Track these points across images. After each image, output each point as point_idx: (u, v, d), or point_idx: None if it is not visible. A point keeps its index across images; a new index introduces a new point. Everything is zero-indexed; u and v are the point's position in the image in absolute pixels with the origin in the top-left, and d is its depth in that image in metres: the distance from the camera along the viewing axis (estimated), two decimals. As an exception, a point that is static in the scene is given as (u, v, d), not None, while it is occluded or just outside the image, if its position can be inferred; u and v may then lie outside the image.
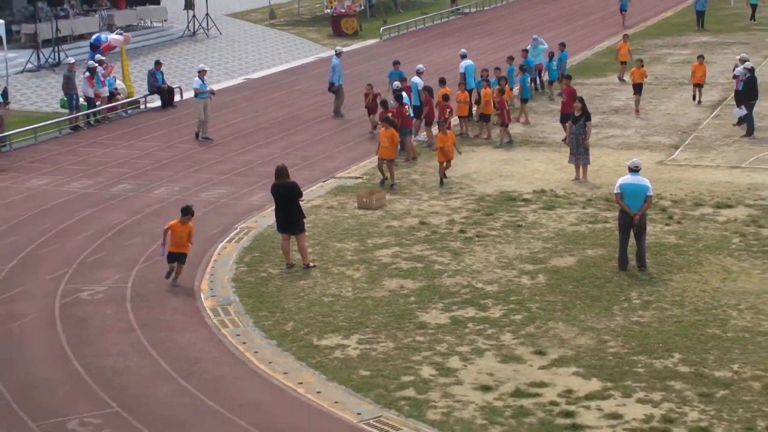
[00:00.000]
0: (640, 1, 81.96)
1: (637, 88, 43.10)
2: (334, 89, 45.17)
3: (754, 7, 69.43)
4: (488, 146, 38.42)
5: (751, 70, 40.15)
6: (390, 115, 35.65)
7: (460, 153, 34.35)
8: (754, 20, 68.79)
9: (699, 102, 44.72)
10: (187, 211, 25.65)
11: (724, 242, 27.92)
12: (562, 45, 48.80)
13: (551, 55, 47.38)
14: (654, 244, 27.37)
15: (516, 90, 43.44)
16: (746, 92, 39.55)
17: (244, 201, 32.86)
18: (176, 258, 25.56)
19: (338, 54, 46.40)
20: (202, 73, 41.33)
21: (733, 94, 42.17)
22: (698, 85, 45.07)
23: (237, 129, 42.92)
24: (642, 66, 43.40)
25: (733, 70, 42.35)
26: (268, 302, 24.87)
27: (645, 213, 26.16)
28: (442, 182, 33.69)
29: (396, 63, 43.40)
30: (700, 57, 46.01)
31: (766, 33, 63.97)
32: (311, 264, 26.91)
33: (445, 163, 33.94)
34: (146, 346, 22.71)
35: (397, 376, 20.84)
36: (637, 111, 43.13)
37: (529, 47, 47.87)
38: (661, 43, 62.41)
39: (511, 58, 44.67)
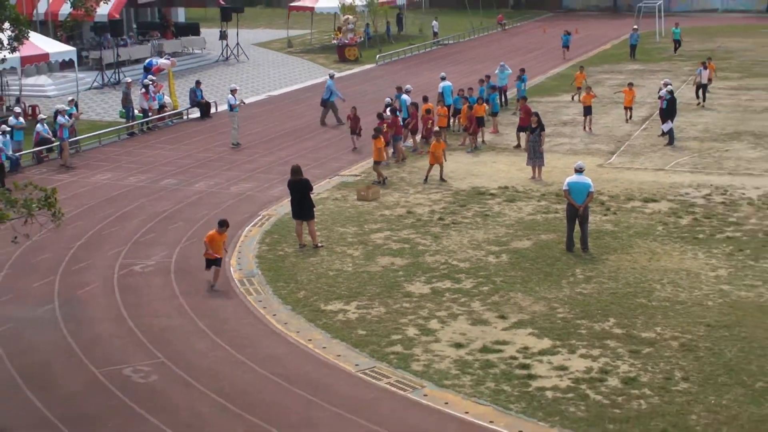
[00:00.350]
0: (586, 37, 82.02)
1: (587, 110, 42.45)
2: (326, 104, 45.49)
3: (676, 42, 69.28)
4: (462, 151, 38.31)
5: (672, 93, 40.13)
6: (385, 125, 35.59)
7: (446, 160, 34.15)
8: (675, 53, 68.61)
9: (629, 119, 44.30)
10: (224, 224, 24.54)
11: (650, 229, 27.90)
12: (522, 70, 48.63)
13: (519, 77, 47.15)
14: (594, 231, 27.32)
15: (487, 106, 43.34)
16: (669, 110, 39.55)
17: (266, 193, 32.77)
18: (213, 263, 24.25)
19: (332, 77, 46.45)
20: (233, 92, 41.20)
21: (658, 112, 42.10)
22: (628, 108, 44.57)
23: (260, 136, 42.80)
24: (591, 92, 43.03)
25: (658, 92, 42.30)
26: (284, 275, 24.81)
27: (588, 206, 26.09)
28: (426, 179, 33.57)
29: (399, 88, 42.70)
30: (630, 84, 45.58)
31: (684, 63, 63.85)
32: (320, 244, 26.83)
33: (435, 166, 33.68)
34: (187, 309, 22.68)
35: (387, 335, 20.82)
36: (585, 128, 42.43)
37: (497, 71, 47.81)
38: (601, 69, 62.26)
39: (482, 81, 44.48)
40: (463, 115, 39.96)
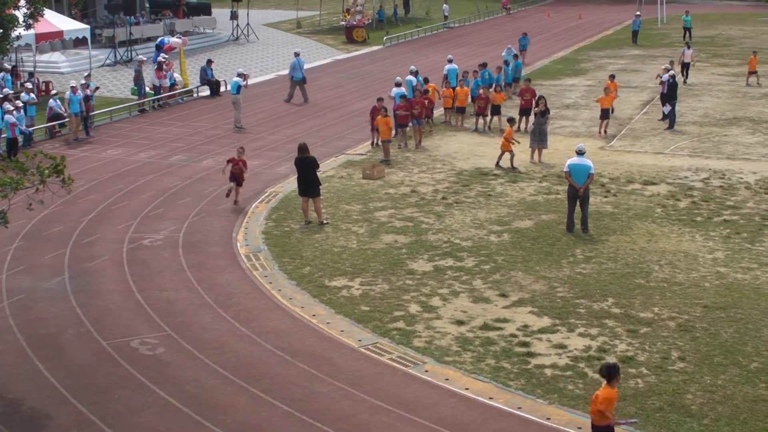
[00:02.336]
0: (589, 22, 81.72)
1: (605, 113, 37.96)
2: (296, 82, 45.62)
3: (686, 30, 67.87)
4: (467, 132, 38.11)
5: (673, 77, 39.92)
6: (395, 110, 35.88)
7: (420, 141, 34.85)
8: (687, 39, 67.26)
9: (612, 111, 40.10)
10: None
11: (649, 211, 27.78)
12: (515, 56, 48.35)
13: (507, 63, 46.61)
14: (594, 212, 27.20)
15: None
16: (669, 94, 39.36)
17: (273, 171, 32.65)
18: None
19: (297, 54, 46.19)
20: (241, 76, 40.60)
21: (659, 96, 41.91)
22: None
23: (268, 114, 42.66)
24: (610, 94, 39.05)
25: (659, 77, 42.02)
26: (290, 251, 24.72)
27: (588, 187, 25.93)
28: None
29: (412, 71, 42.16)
30: (612, 75, 42.82)
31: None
32: (324, 221, 26.72)
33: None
34: (194, 283, 22.60)
35: (390, 312, 20.73)
36: (600, 132, 38.04)
37: (504, 53, 47.78)
38: (603, 54, 62.02)
39: (484, 64, 44.21)
40: (463, 98, 39.72)
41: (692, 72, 50.85)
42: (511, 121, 33.47)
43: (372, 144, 36.03)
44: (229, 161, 28.47)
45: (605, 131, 38.05)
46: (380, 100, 34.80)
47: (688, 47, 51.94)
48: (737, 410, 16.50)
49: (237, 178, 28.39)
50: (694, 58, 51.63)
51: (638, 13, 69.55)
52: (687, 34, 66.95)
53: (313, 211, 26.90)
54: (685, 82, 49.43)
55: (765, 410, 16.50)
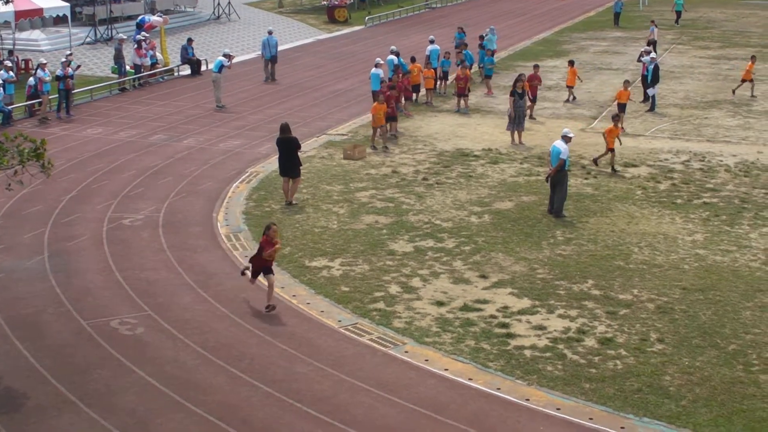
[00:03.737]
0: (572, 4, 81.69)
1: (621, 107, 35.92)
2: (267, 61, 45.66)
3: (678, 13, 67.89)
4: (449, 112, 38.08)
5: (654, 59, 40.04)
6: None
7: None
8: (678, 24, 67.20)
9: (573, 99, 41.09)
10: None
11: (629, 194, 27.84)
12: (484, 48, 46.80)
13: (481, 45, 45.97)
14: (575, 194, 27.26)
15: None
16: (652, 77, 39.38)
17: (254, 151, 32.55)
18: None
19: (270, 33, 46.09)
20: (227, 56, 40.34)
21: (640, 78, 41.99)
22: (570, 87, 41.57)
23: (250, 94, 42.52)
24: (627, 89, 36.80)
25: (639, 58, 41.94)
26: (270, 231, 24.66)
27: (562, 172, 25.78)
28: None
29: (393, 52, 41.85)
30: (571, 61, 42.38)
31: (667, 31, 63.61)
32: (294, 202, 26.64)
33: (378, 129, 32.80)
34: (174, 263, 22.54)
35: (370, 292, 20.74)
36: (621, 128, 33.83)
37: (487, 33, 47.52)
38: (585, 36, 62.03)
39: (465, 45, 44.10)
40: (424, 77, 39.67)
41: (673, 54, 50.88)
42: (615, 118, 30.98)
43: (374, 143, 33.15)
44: (255, 258, 20.36)
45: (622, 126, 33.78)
46: (393, 88, 34.31)
47: (656, 25, 53.83)
48: (715, 392, 16.59)
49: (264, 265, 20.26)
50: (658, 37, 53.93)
51: None
52: (677, 17, 67.12)
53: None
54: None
55: (742, 392, 16.60)
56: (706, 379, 17.02)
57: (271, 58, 45.54)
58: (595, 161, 30.53)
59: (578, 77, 41.63)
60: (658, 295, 20.63)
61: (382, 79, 36.72)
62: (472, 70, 41.90)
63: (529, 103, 36.36)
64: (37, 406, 16.05)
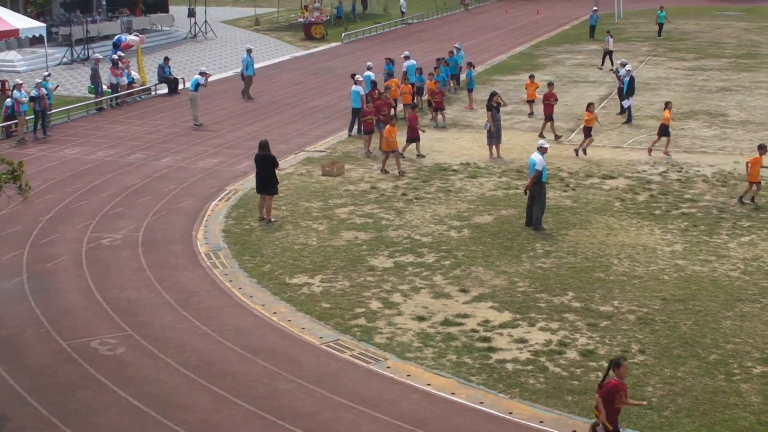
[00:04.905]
0: (547, 17, 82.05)
1: (664, 130, 33.71)
2: (245, 78, 45.45)
3: (660, 25, 67.92)
4: (427, 127, 38.12)
5: (630, 71, 40.29)
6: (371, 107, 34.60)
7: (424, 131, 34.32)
8: (660, 36, 67.21)
9: (532, 114, 40.39)
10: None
11: (608, 205, 27.93)
12: (470, 64, 46.85)
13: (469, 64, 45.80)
14: (554, 206, 27.32)
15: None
16: (628, 89, 39.58)
17: (233, 168, 32.51)
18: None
19: (249, 51, 45.85)
20: (203, 74, 40.26)
21: (616, 91, 42.18)
22: (531, 101, 40.67)
23: (227, 112, 42.48)
24: (592, 112, 35.01)
25: (616, 72, 42.16)
26: (250, 249, 24.64)
27: (538, 182, 25.76)
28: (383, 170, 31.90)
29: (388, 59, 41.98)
30: (531, 76, 41.68)
31: (642, 43, 63.98)
32: (272, 219, 26.60)
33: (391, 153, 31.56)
34: (154, 282, 22.47)
35: (351, 308, 20.72)
36: (665, 152, 33.82)
37: (456, 51, 47.57)
38: (561, 49, 62.27)
39: (446, 61, 44.31)
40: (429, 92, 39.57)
41: (648, 66, 51.17)
42: (762, 148, 28.76)
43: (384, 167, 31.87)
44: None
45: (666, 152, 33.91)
46: (415, 106, 33.73)
47: (610, 35, 54.74)
48: (697, 402, 16.62)
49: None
50: (614, 47, 54.95)
51: (595, 8, 69.94)
52: (660, 29, 67.32)
53: (273, 209, 26.82)
54: (601, 68, 53.38)
55: (724, 401, 16.64)
56: (688, 390, 17.05)
57: (250, 76, 45.45)
58: (741, 200, 28.14)
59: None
60: (639, 306, 20.68)
61: (368, 94, 36.74)
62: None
63: (544, 122, 36.37)
64: (17, 428, 15.94)
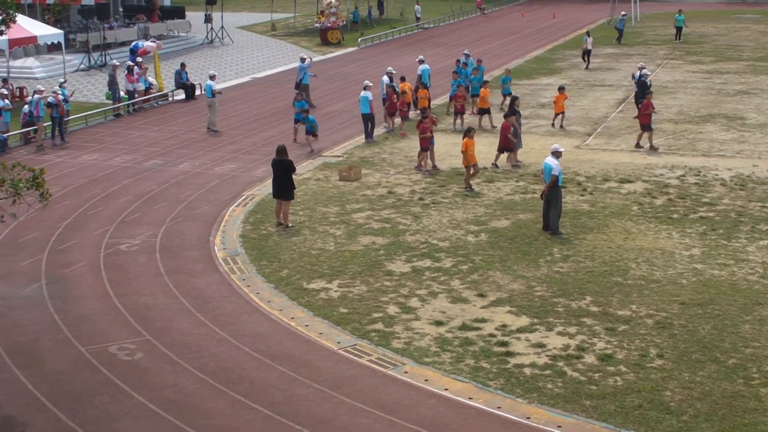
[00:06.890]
0: (562, 21, 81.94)
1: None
2: (301, 87, 44.31)
3: (678, 29, 67.59)
4: (443, 132, 38.07)
5: (644, 74, 40.27)
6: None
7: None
8: (678, 39, 66.90)
9: (553, 125, 39.26)
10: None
11: (625, 209, 27.86)
12: (507, 71, 46.51)
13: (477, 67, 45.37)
14: (571, 210, 27.27)
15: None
16: (639, 92, 39.49)
17: (250, 174, 32.56)
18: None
19: (303, 60, 45.73)
20: (213, 78, 40.43)
21: (633, 95, 42.09)
22: (560, 114, 39.16)
23: (244, 117, 42.57)
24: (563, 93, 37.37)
25: (632, 76, 42.11)
26: (267, 254, 24.66)
27: (552, 188, 25.74)
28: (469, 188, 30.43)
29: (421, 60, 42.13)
30: (561, 87, 39.64)
31: (659, 47, 63.85)
32: (290, 225, 26.64)
33: (471, 168, 30.22)
34: (171, 287, 22.51)
35: (368, 313, 20.71)
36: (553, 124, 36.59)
37: (466, 58, 47.15)
38: (578, 53, 61.95)
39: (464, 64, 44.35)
40: (423, 97, 39.48)
41: (666, 70, 51.02)
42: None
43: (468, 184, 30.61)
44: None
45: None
46: (509, 115, 32.78)
47: (588, 35, 56.70)
48: (716, 406, 16.55)
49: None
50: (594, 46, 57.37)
51: (624, 12, 69.82)
52: (678, 33, 67.02)
53: (291, 214, 26.84)
54: (587, 67, 55.16)
55: (743, 406, 16.57)
56: (707, 394, 16.98)
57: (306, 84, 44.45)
58: None
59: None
60: (657, 310, 20.62)
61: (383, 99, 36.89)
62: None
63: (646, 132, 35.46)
64: (36, 434, 16.00)
